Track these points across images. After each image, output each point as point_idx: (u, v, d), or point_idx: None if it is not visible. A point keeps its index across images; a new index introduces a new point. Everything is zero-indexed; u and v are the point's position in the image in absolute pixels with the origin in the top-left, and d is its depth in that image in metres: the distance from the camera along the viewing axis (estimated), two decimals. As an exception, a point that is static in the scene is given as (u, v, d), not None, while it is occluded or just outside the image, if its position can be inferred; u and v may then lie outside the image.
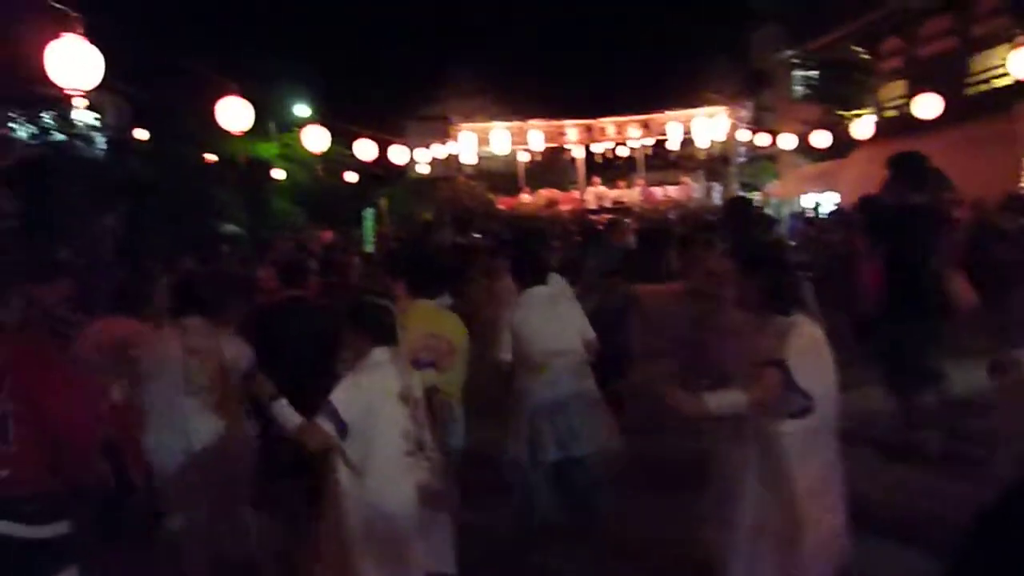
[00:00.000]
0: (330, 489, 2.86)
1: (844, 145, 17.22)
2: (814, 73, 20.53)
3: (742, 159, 23.80)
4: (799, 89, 22.17)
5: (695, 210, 19.49)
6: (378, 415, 2.83)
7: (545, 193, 22.13)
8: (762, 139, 21.16)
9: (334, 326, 3.17)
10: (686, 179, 23.09)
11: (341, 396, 2.79)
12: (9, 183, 8.97)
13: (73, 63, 4.96)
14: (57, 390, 2.33)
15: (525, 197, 21.86)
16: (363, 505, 2.80)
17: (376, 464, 2.82)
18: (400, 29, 27.49)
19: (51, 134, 13.59)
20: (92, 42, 5.00)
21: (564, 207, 21.12)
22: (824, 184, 19.31)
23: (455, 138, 21.41)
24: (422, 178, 23.84)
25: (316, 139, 11.71)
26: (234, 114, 7.51)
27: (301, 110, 24.71)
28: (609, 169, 23.41)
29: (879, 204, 5.37)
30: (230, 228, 20.45)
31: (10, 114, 11.79)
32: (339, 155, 22.31)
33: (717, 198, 22.42)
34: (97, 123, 18.48)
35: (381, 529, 2.80)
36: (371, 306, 2.99)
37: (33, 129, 13.22)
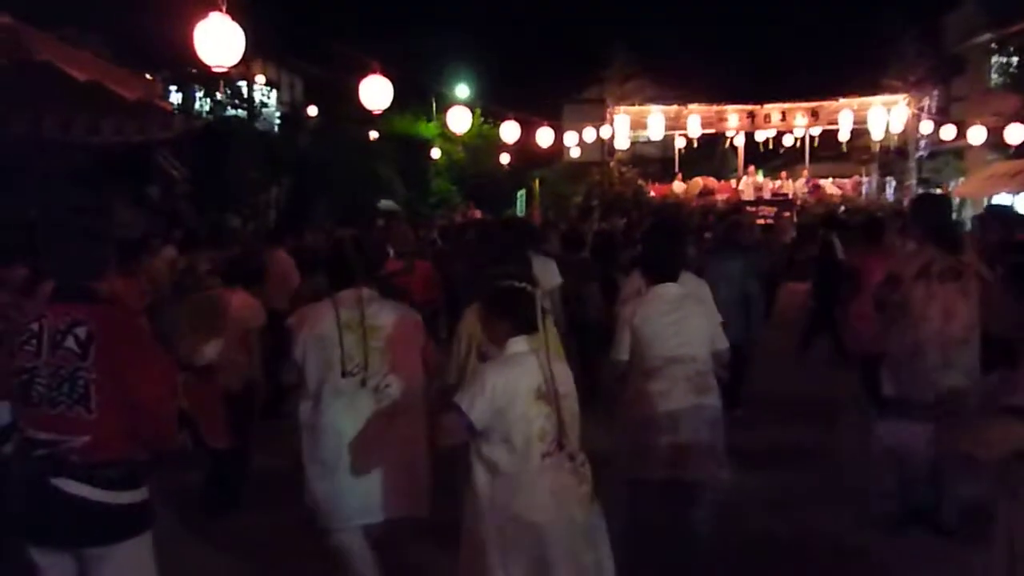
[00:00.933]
0: (468, 489, 2.69)
1: (1045, 141, 15.35)
2: (1014, 59, 18.40)
3: (922, 153, 21.82)
4: (995, 77, 19.99)
5: (865, 206, 18.13)
6: (508, 414, 2.59)
7: (700, 181, 21.32)
8: (948, 131, 19.24)
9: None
10: (858, 173, 21.50)
11: (466, 394, 2.62)
12: (178, 153, 9.72)
13: (218, 41, 5.22)
14: (139, 362, 2.41)
15: (678, 185, 21.16)
16: (497, 508, 2.61)
17: (508, 465, 2.60)
18: (564, 11, 27.42)
19: (225, 108, 14.61)
20: (235, 20, 5.21)
21: (719, 196, 20.28)
22: (1019, 184, 17.34)
23: (610, 121, 21.05)
24: (575, 162, 23.70)
25: (460, 120, 11.85)
26: (376, 92, 7.68)
27: (462, 91, 25.28)
28: (771, 158, 22.22)
29: None
30: (388, 204, 21.28)
31: (170, 88, 12.78)
32: (496, 137, 22.67)
33: (891, 194, 20.74)
34: (270, 99, 19.75)
35: (513, 535, 2.59)
36: (510, 290, 2.71)
37: (204, 104, 14.27)
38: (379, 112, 7.95)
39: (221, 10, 5.21)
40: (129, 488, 2.44)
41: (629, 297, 4.22)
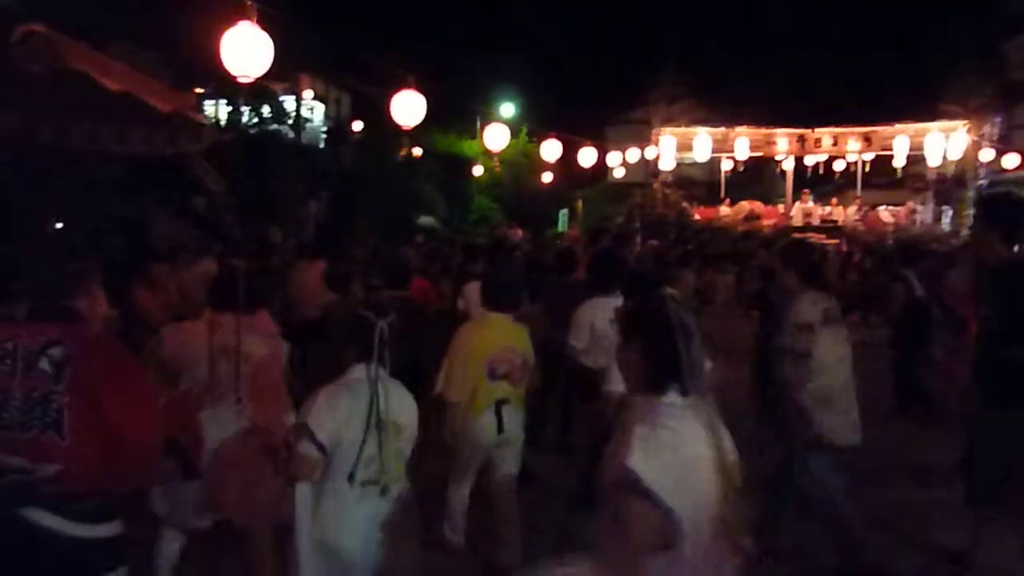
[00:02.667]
0: (294, 499, 2.82)
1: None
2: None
3: (982, 182, 21.02)
4: (1062, 104, 19.21)
5: (920, 235, 17.47)
6: (337, 437, 2.72)
7: (746, 205, 20.83)
8: (1011, 160, 18.50)
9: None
10: (912, 201, 20.79)
11: (311, 417, 2.71)
12: (219, 166, 9.73)
13: (246, 51, 5.11)
14: (118, 385, 2.22)
15: (724, 209, 20.71)
16: (316, 524, 2.73)
17: (330, 486, 2.74)
18: (610, 30, 27.27)
19: (270, 123, 14.71)
20: (265, 29, 5.10)
21: (766, 221, 19.78)
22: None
23: (655, 142, 20.73)
24: (618, 182, 23.43)
25: (497, 137, 11.71)
26: (408, 107, 7.54)
27: (507, 110, 25.24)
28: (821, 184, 21.63)
29: None
30: (427, 220, 21.26)
31: (216, 101, 12.89)
32: (538, 156, 22.54)
33: (947, 224, 19.99)
34: (315, 114, 19.91)
35: (325, 554, 2.73)
36: (355, 319, 2.83)
37: (252, 118, 14.39)
38: (409, 128, 7.80)
39: (251, 20, 5.10)
40: (101, 521, 2.24)
41: None
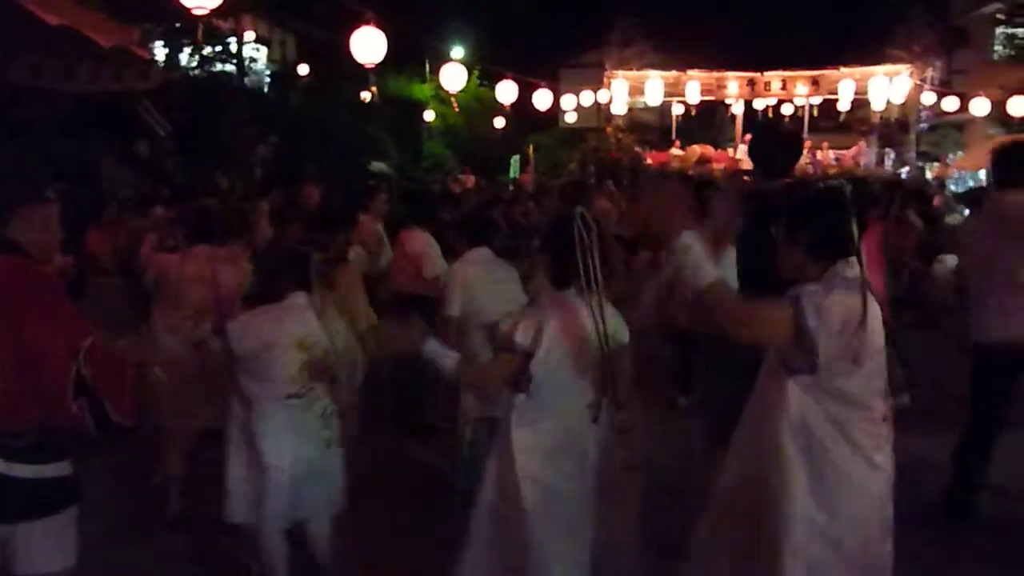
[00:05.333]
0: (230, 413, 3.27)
1: (1051, 115, 15.10)
2: (1020, 31, 18.06)
3: (924, 125, 21.54)
4: (1000, 49, 19.65)
5: (863, 178, 17.87)
6: (269, 352, 3.04)
7: (697, 149, 20.99)
8: (951, 103, 18.95)
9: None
10: (860, 143, 21.19)
11: (236, 325, 3.12)
12: (163, 109, 9.41)
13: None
14: (39, 314, 2.16)
15: (675, 152, 20.84)
16: (247, 433, 3.11)
17: (258, 398, 3.08)
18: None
19: (214, 64, 14.20)
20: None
21: (717, 165, 19.96)
22: (1020, 158, 17.05)
23: (608, 86, 20.65)
24: (571, 127, 23.31)
25: (454, 77, 11.49)
26: (369, 45, 7.36)
27: (457, 53, 24.73)
28: (766, 123, 21.87)
29: None
30: (379, 166, 20.90)
31: (156, 42, 12.37)
32: (491, 101, 22.22)
33: (889, 166, 20.50)
34: (260, 57, 19.24)
35: (255, 456, 3.11)
36: (294, 252, 3.29)
37: (193, 60, 13.87)
38: (373, 67, 7.63)
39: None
40: (39, 461, 2.21)
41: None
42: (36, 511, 2.22)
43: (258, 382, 3.08)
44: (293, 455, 3.07)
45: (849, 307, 2.18)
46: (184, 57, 13.84)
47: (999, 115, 17.17)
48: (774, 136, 4.43)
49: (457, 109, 21.24)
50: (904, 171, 19.80)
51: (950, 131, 22.01)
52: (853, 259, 2.27)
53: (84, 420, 2.15)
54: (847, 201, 2.30)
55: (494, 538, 2.63)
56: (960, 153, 21.70)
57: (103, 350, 2.19)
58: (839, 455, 2.23)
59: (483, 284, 4.03)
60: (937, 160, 21.34)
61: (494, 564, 2.62)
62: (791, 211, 2.43)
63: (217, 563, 3.76)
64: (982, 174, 18.63)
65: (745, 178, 16.58)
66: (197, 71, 13.89)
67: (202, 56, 13.71)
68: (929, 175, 20.08)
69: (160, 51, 13.34)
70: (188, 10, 5.06)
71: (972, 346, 4.08)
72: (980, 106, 17.31)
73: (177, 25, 12.76)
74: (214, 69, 14.25)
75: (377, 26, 7.37)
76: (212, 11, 5.04)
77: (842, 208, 2.30)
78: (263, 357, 3.05)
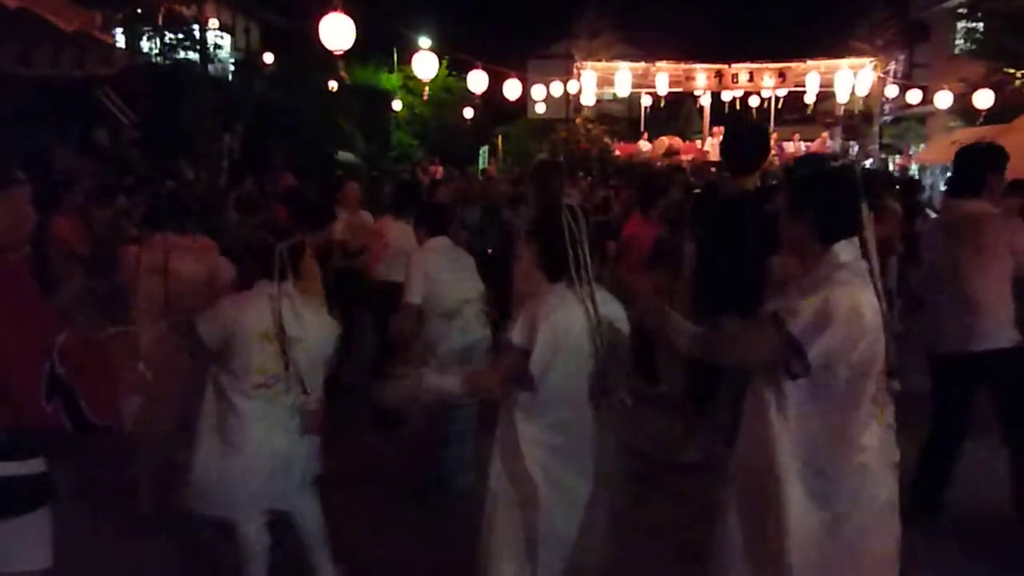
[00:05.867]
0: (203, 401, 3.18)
1: (1010, 109, 15.38)
2: (980, 25, 18.41)
3: (887, 118, 21.90)
4: (961, 43, 20.01)
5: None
6: (233, 343, 3.01)
7: (665, 140, 21.11)
8: (914, 96, 19.27)
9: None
10: (824, 134, 21.48)
11: (203, 317, 3.06)
12: (126, 97, 9.13)
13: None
14: (6, 308, 2.03)
15: (644, 144, 20.93)
16: (219, 425, 3.07)
17: (229, 388, 3.03)
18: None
19: (176, 51, 13.87)
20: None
21: (684, 157, 20.10)
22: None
23: (577, 77, 20.64)
24: (540, 118, 23.27)
25: (426, 65, 11.37)
26: (337, 31, 7.23)
27: (425, 43, 24.49)
28: (737, 120, 22.09)
29: None
30: (347, 156, 20.66)
31: (115, 27, 12.04)
32: (460, 91, 22.05)
33: (853, 157, 20.82)
34: (224, 45, 18.86)
35: (225, 447, 3.05)
36: (260, 242, 3.13)
37: (153, 46, 13.55)
38: (341, 54, 7.50)
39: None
40: (10, 459, 2.11)
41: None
42: (10, 509, 2.12)
43: (226, 372, 3.04)
44: (262, 445, 3.03)
45: (841, 300, 2.15)
46: (145, 44, 13.49)
47: (962, 108, 17.48)
48: (742, 135, 4.50)
49: (426, 97, 21.07)
50: (868, 163, 20.11)
51: (912, 124, 22.40)
52: (855, 240, 2.25)
53: (59, 420, 2.04)
54: (856, 182, 2.29)
55: (507, 533, 2.59)
56: (922, 146, 22.11)
57: (79, 346, 2.09)
58: (838, 451, 2.22)
59: (442, 272, 4.10)
60: (900, 152, 21.72)
61: (509, 556, 2.59)
62: (798, 186, 2.41)
63: (198, 559, 3.67)
64: (941, 168, 19.02)
65: (712, 170, 16.74)
66: (159, 58, 13.55)
67: (164, 43, 13.37)
68: (891, 167, 20.44)
69: (120, 37, 12.99)
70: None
71: (928, 356, 3.97)
72: (943, 99, 17.61)
73: (139, 11, 12.43)
74: (177, 56, 13.91)
75: (345, 12, 7.24)
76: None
77: (850, 189, 2.28)
78: (229, 347, 3.01)
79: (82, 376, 2.06)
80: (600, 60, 20.80)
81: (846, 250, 2.24)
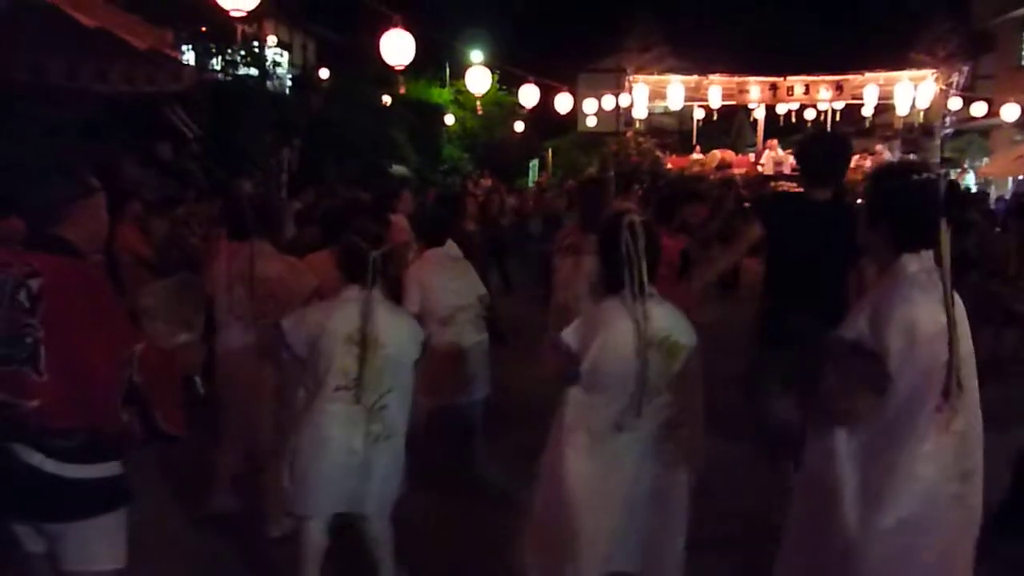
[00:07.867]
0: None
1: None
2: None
3: (948, 131, 21.30)
4: (1028, 54, 19.41)
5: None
6: (316, 345, 3.06)
7: (718, 154, 20.87)
8: (979, 108, 18.73)
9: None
10: (881, 148, 20.99)
11: (290, 320, 3.14)
12: (189, 111, 9.43)
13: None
14: (88, 322, 2.12)
15: (696, 157, 20.74)
16: (302, 423, 3.12)
17: (311, 388, 3.10)
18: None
19: (238, 67, 14.28)
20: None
21: (737, 170, 19.85)
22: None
23: (628, 91, 20.58)
24: (590, 131, 23.24)
25: (479, 80, 11.50)
26: (397, 47, 7.37)
27: (476, 57, 24.75)
28: (792, 133, 21.72)
29: None
30: (399, 169, 20.95)
31: (184, 44, 12.45)
32: (510, 104, 22.19)
33: (940, 170, 20.24)
34: (283, 61, 19.33)
35: (307, 445, 3.10)
36: (351, 246, 3.15)
37: (216, 63, 13.96)
38: (400, 69, 7.65)
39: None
40: (88, 462, 2.17)
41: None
42: (86, 511, 2.20)
43: (311, 375, 3.11)
44: (339, 448, 3.06)
45: (909, 316, 2.14)
46: (211, 61, 13.93)
47: (1027, 121, 16.96)
48: (824, 144, 4.27)
49: (480, 110, 21.32)
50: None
51: (975, 137, 21.77)
52: (928, 253, 2.20)
53: (133, 429, 2.11)
54: (937, 196, 2.23)
55: (550, 536, 2.72)
56: (986, 160, 21.46)
57: (156, 356, 2.15)
58: (896, 460, 2.19)
59: (437, 283, 4.38)
60: (958, 166, 21.11)
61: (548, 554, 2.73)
62: (876, 195, 2.38)
63: (257, 557, 3.75)
64: (1010, 181, 18.44)
65: (772, 184, 16.46)
66: (222, 75, 13.97)
67: (227, 60, 13.80)
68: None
69: (188, 54, 13.45)
70: (226, 12, 5.07)
71: None
72: (1010, 112, 17.09)
73: (203, 29, 12.84)
74: (239, 73, 14.33)
75: (406, 28, 7.37)
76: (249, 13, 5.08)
77: (930, 202, 2.22)
78: (315, 350, 3.07)
79: (157, 387, 2.12)
80: (652, 73, 20.69)
81: (915, 261, 2.21)
